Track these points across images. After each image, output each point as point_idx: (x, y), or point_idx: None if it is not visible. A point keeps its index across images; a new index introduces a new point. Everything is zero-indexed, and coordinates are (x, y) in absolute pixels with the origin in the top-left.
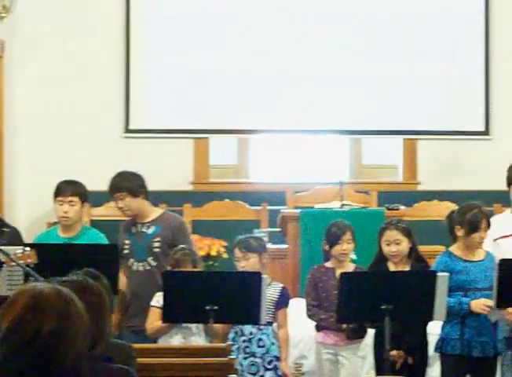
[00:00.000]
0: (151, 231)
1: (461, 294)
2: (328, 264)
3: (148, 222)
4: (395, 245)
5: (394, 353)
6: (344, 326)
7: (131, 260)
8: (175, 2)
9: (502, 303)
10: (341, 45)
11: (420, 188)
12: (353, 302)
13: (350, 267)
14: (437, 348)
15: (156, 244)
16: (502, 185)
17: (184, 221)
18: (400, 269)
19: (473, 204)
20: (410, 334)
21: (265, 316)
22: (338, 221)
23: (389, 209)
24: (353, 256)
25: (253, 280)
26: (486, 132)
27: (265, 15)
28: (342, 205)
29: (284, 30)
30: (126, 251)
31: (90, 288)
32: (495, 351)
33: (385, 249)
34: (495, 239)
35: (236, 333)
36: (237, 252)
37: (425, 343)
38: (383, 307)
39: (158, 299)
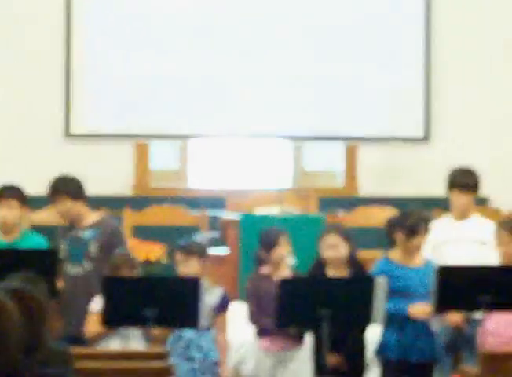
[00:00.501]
0: (87, 235)
1: (399, 299)
2: (265, 270)
3: (85, 227)
4: (334, 250)
5: (332, 357)
6: (290, 331)
7: (67, 264)
8: (115, 6)
9: (440, 309)
10: (284, 51)
11: (360, 193)
12: (292, 307)
13: (287, 272)
14: (377, 353)
15: (93, 249)
16: (441, 191)
17: (119, 226)
18: (338, 274)
19: (412, 209)
20: (348, 338)
21: (203, 321)
22: (270, 228)
23: (328, 214)
24: (293, 261)
25: (191, 285)
26: (426, 138)
27: (204, 18)
28: (282, 210)
29: (224, 33)
30: (62, 256)
31: (27, 294)
32: (433, 356)
33: (325, 254)
34: (434, 245)
35: (176, 338)
36: (178, 256)
37: (363, 348)
38: (322, 312)
39: (96, 304)
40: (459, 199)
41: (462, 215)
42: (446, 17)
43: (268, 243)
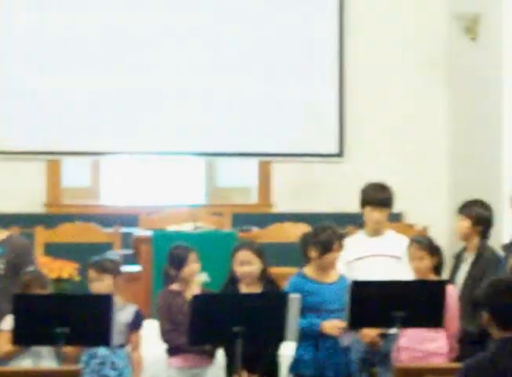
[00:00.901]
0: None
1: (313, 315)
2: (175, 287)
3: None
4: (247, 266)
5: (245, 375)
6: (206, 348)
7: None
8: (26, 22)
9: (354, 325)
10: (196, 68)
11: (274, 210)
12: (205, 324)
13: (197, 289)
14: (291, 369)
15: (0, 266)
16: (355, 207)
17: (29, 243)
18: (251, 290)
19: (326, 225)
20: (262, 355)
21: (116, 339)
22: (179, 245)
23: (242, 231)
24: (206, 278)
25: (104, 302)
26: (340, 154)
27: (117, 35)
28: (196, 227)
29: (136, 52)
30: None
31: None
32: (348, 372)
33: (238, 270)
34: (349, 262)
35: (90, 355)
36: (91, 273)
37: (277, 365)
38: (235, 329)
39: (7, 322)
40: (372, 216)
41: (376, 231)
42: (360, 34)
43: (178, 261)
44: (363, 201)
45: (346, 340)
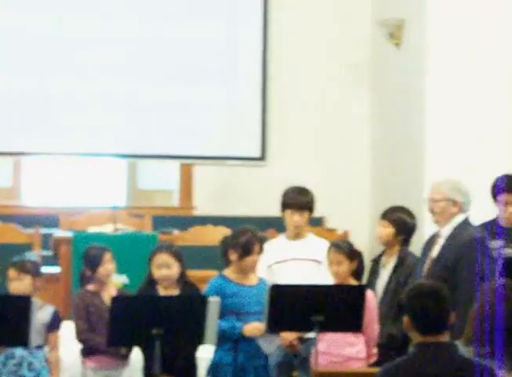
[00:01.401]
0: None
1: (233, 317)
2: (91, 287)
3: None
4: (165, 269)
5: None
6: (123, 350)
7: None
8: None
9: (272, 328)
10: (116, 70)
11: (195, 212)
12: (124, 326)
13: (114, 289)
14: (209, 373)
15: None
16: (277, 211)
17: None
18: (169, 293)
19: (246, 228)
20: (180, 358)
21: (34, 339)
22: (94, 245)
23: (162, 233)
24: (125, 280)
25: (22, 303)
26: (262, 158)
27: (31, 37)
28: (116, 229)
29: (56, 51)
30: None
31: None
32: (267, 376)
33: (156, 273)
34: (269, 265)
35: (7, 356)
36: (11, 273)
37: (195, 367)
38: (154, 331)
39: None
40: (293, 219)
41: (297, 235)
42: (285, 36)
43: (93, 261)
44: (284, 204)
45: (270, 347)
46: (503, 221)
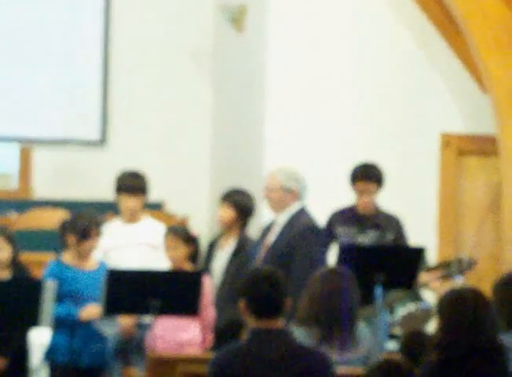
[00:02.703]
0: None
1: (71, 302)
2: None
3: None
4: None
5: None
6: None
7: None
8: None
9: (109, 312)
10: None
11: (34, 196)
12: None
13: None
14: (46, 356)
15: None
16: (114, 194)
17: None
18: (1, 276)
19: (84, 212)
20: (12, 341)
21: None
22: None
23: (0, 216)
24: None
25: None
26: (102, 141)
27: None
28: None
29: None
30: None
31: None
32: (103, 360)
33: None
34: (105, 250)
35: None
36: None
37: (27, 351)
38: None
39: None
40: (127, 203)
41: (131, 219)
42: (128, 11)
43: None
44: (118, 188)
45: (109, 330)
46: (359, 208)
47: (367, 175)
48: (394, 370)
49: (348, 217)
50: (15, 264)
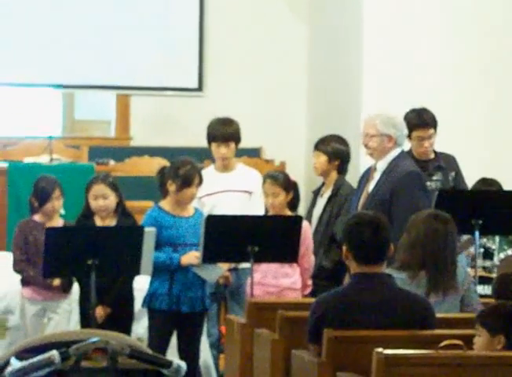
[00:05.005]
0: None
1: (170, 249)
2: (37, 218)
3: None
4: (101, 199)
5: (99, 308)
6: (55, 282)
7: None
8: None
9: (208, 259)
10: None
11: (132, 143)
12: (59, 257)
13: (59, 222)
14: (145, 303)
15: None
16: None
17: None
18: (107, 223)
19: (186, 160)
20: (116, 289)
21: None
22: (46, 177)
23: (99, 164)
24: (62, 211)
25: None
26: (199, 89)
27: None
28: (51, 159)
29: None
30: None
31: None
32: (203, 306)
33: (93, 203)
34: (200, 197)
35: None
36: None
37: (131, 298)
38: (89, 262)
39: None
40: (219, 151)
41: (225, 166)
42: None
43: (41, 196)
44: (209, 137)
45: (211, 276)
46: (419, 154)
47: (425, 121)
48: None
49: None
50: (120, 211)
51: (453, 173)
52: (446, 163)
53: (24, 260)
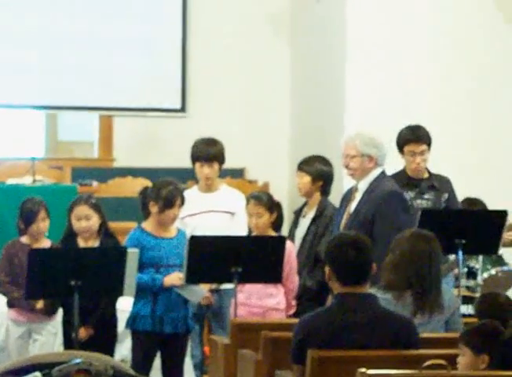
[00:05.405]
0: None
1: (152, 270)
2: (24, 239)
3: None
4: (84, 221)
5: (82, 329)
6: (38, 305)
7: None
8: None
9: (192, 279)
10: (44, 15)
11: (115, 164)
12: (42, 278)
13: (46, 243)
14: (128, 324)
15: None
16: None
17: None
18: (90, 244)
19: (167, 180)
20: (99, 310)
21: None
22: (32, 198)
23: (82, 185)
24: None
25: None
26: (182, 109)
27: None
28: (34, 180)
29: None
30: None
31: None
32: (186, 327)
33: (75, 225)
34: (182, 218)
35: None
36: None
37: (114, 319)
38: (72, 283)
39: None
40: (202, 171)
41: (208, 187)
42: None
43: (27, 217)
44: (193, 157)
45: (194, 297)
46: (411, 172)
47: (418, 136)
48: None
49: (404, 182)
50: (104, 232)
51: (446, 195)
52: (440, 184)
53: (9, 282)
